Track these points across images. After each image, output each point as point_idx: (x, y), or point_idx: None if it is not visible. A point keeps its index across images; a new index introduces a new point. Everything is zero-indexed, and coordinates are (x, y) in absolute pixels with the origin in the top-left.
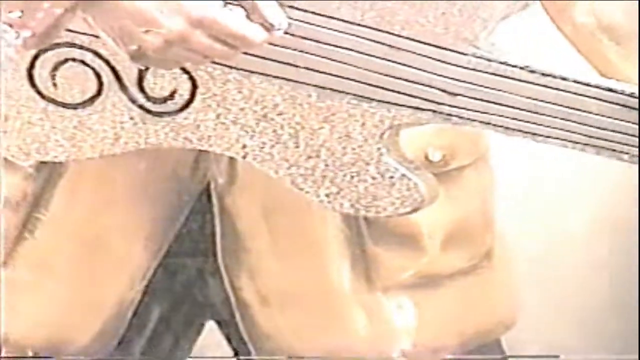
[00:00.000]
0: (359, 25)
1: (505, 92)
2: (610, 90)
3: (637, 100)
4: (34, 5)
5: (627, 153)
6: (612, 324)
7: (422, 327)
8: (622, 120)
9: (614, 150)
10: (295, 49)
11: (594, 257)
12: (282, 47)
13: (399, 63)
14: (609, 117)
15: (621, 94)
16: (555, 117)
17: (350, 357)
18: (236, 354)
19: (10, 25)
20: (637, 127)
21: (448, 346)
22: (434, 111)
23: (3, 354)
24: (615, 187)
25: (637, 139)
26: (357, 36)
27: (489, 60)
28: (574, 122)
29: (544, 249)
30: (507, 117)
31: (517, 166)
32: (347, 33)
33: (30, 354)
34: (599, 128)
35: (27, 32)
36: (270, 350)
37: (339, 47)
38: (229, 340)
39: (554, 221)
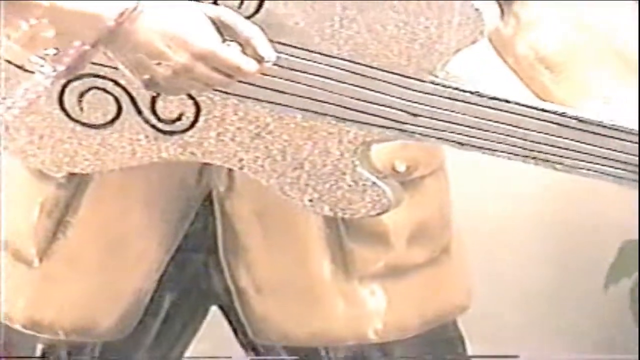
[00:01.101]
0: (336, 57)
1: (458, 113)
2: (545, 110)
3: (569, 118)
4: (67, 43)
5: (560, 164)
6: (552, 319)
7: (390, 310)
8: (556, 136)
9: (549, 161)
10: (282, 78)
11: (533, 254)
12: (272, 76)
13: (370, 89)
14: (546, 134)
15: (554, 113)
16: (500, 134)
17: (331, 336)
18: (235, 333)
19: (45, 60)
20: (570, 141)
21: (412, 326)
22: (399, 129)
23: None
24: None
25: (568, 152)
26: (334, 67)
27: (445, 86)
28: (516, 137)
29: (486, 244)
30: (460, 134)
31: (463, 169)
32: (326, 64)
33: (62, 335)
34: (536, 143)
35: (62, 67)
36: (263, 330)
37: (319, 75)
38: (229, 322)
39: (495, 219)
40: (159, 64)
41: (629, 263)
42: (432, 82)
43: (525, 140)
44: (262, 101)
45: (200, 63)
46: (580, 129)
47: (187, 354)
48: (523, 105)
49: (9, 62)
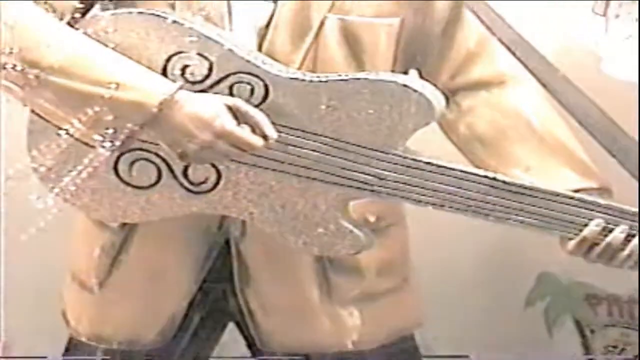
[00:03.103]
0: (322, 136)
1: (415, 177)
2: (480, 175)
3: (498, 182)
4: (121, 125)
5: (491, 216)
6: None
7: (364, 326)
8: (488, 194)
9: (482, 214)
10: (282, 151)
11: (470, 283)
12: (274, 150)
13: (347, 160)
14: (480, 193)
15: (485, 177)
16: (447, 193)
17: (319, 345)
18: (247, 342)
19: (105, 137)
20: (498, 199)
21: (381, 338)
22: (370, 190)
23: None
24: None
25: (497, 207)
26: (321, 143)
27: (405, 157)
28: (458, 196)
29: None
30: (416, 194)
31: (418, 223)
32: (314, 141)
33: (116, 345)
34: (473, 200)
35: (118, 142)
36: (268, 341)
37: (309, 149)
38: (243, 334)
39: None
40: (189, 141)
41: (543, 290)
42: (395, 155)
43: (465, 198)
44: (267, 168)
45: (220, 141)
46: (506, 190)
47: None
48: (463, 171)
49: (77, 139)
